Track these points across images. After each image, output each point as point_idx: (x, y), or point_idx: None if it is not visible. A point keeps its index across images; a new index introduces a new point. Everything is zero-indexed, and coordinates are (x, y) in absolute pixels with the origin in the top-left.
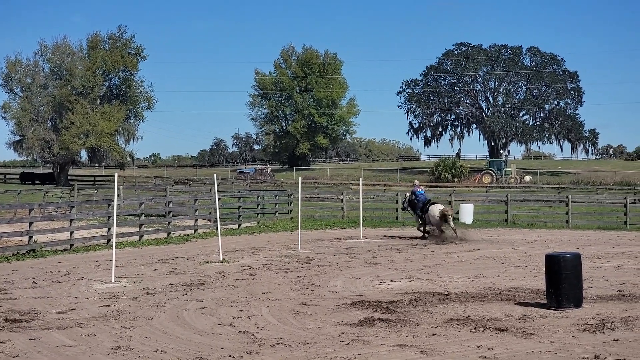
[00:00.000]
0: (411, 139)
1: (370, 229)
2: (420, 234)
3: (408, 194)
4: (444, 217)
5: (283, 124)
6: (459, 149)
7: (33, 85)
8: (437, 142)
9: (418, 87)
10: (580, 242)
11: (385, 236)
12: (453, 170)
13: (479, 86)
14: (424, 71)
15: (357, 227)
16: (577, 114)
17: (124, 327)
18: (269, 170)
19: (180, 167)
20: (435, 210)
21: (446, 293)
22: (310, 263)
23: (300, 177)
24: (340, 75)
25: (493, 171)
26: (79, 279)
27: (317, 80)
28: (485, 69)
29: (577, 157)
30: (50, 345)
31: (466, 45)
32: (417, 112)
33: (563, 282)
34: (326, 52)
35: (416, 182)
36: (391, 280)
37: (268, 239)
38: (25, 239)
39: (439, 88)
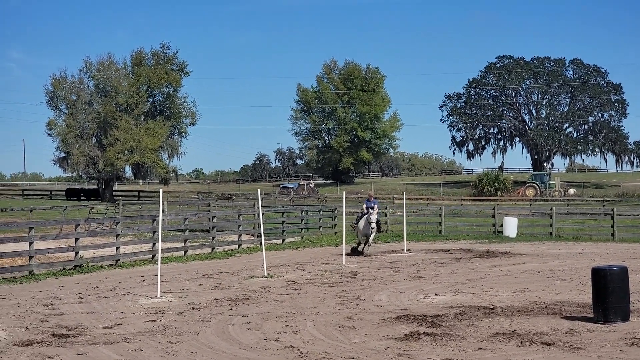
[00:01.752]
0: (454, 153)
1: (414, 243)
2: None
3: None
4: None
5: (326, 138)
6: (502, 162)
7: (78, 102)
8: (480, 156)
9: (460, 101)
10: (627, 255)
11: (428, 250)
12: (496, 184)
13: (521, 99)
14: (466, 84)
15: (401, 241)
16: (622, 126)
17: (170, 342)
18: (312, 185)
19: (223, 183)
20: (363, 221)
21: (491, 307)
22: (354, 277)
23: (343, 192)
24: (383, 89)
25: (537, 184)
26: (124, 294)
27: (360, 94)
28: (528, 82)
29: (621, 169)
30: None
31: (508, 58)
32: (460, 126)
33: (610, 295)
34: (368, 66)
35: (370, 192)
36: (436, 294)
37: (312, 253)
38: (72, 254)
39: (482, 101)
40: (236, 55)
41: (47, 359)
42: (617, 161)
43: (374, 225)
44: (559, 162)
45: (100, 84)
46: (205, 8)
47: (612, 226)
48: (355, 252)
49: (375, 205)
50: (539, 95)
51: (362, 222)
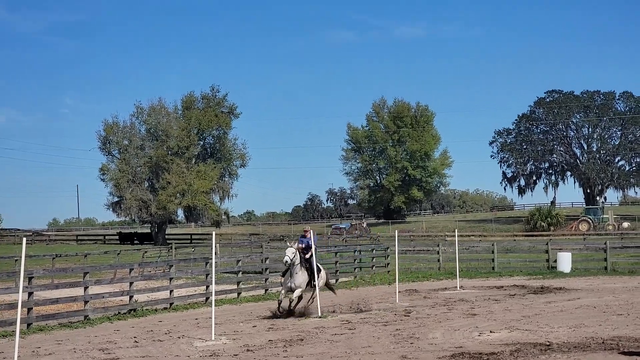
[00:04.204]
0: (505, 189)
1: (467, 280)
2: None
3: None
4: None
5: (377, 177)
6: (554, 197)
7: (130, 146)
8: (532, 191)
9: (511, 136)
10: None
11: (482, 286)
12: (549, 219)
13: (572, 133)
14: (516, 120)
15: (454, 278)
16: None
17: None
18: (364, 225)
19: (275, 224)
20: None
21: (547, 343)
22: (408, 315)
23: (396, 231)
24: (433, 126)
25: (590, 218)
26: (179, 337)
27: (410, 132)
28: (578, 116)
29: None
30: None
31: (558, 92)
32: (510, 162)
33: None
34: (418, 104)
35: (306, 227)
36: (491, 331)
37: (366, 292)
38: (126, 298)
39: (532, 136)
40: (285, 96)
41: None
42: None
43: (297, 283)
44: (612, 196)
45: (151, 128)
46: (254, 49)
47: None
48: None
49: (313, 244)
50: (590, 129)
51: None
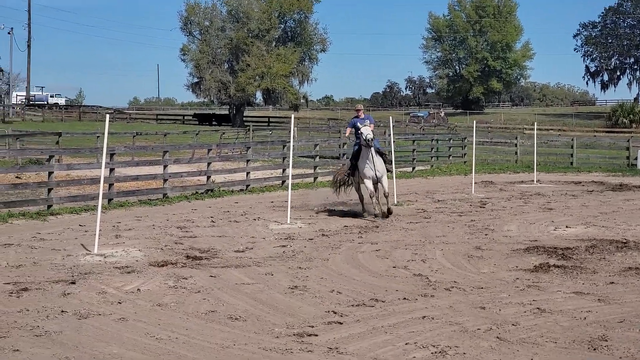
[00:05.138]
0: (587, 84)
1: (544, 174)
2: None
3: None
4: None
5: (457, 67)
6: (638, 94)
7: (211, 28)
8: (615, 87)
9: (596, 30)
10: None
11: (559, 181)
12: (631, 116)
13: None
14: (602, 13)
15: (531, 172)
16: None
17: (300, 267)
18: (442, 114)
19: (354, 110)
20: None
21: (624, 241)
22: (484, 207)
23: (474, 121)
24: (515, 17)
25: None
26: (255, 219)
27: (492, 23)
28: None
29: None
30: (230, 283)
31: None
32: (595, 56)
33: None
34: None
35: (358, 106)
36: (566, 227)
37: (442, 182)
38: (204, 178)
39: (618, 30)
40: None
41: (181, 280)
42: None
43: (380, 169)
44: None
45: (232, 10)
46: None
47: None
48: (362, 212)
49: (371, 123)
50: None
51: (362, 161)
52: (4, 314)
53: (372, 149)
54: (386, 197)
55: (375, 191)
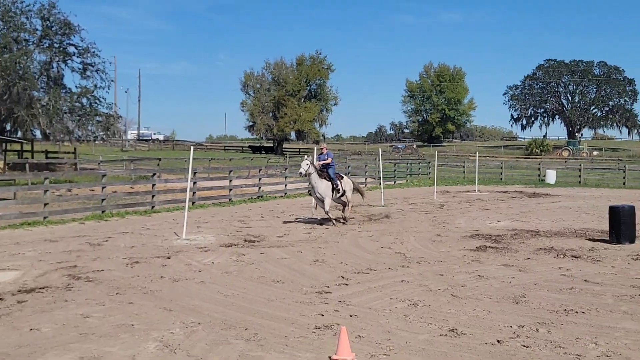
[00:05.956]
0: (512, 125)
1: (482, 186)
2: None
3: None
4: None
5: (424, 115)
6: (546, 133)
7: (261, 89)
8: (530, 128)
9: (518, 90)
10: (635, 198)
11: (492, 191)
12: (541, 147)
13: (561, 89)
14: (523, 79)
15: (473, 184)
16: (633, 108)
17: (319, 247)
18: (414, 146)
19: (355, 143)
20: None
21: (536, 231)
22: (442, 207)
23: (436, 151)
24: (464, 82)
25: (570, 148)
26: (290, 215)
27: (448, 85)
28: (566, 77)
29: (632, 138)
30: (273, 257)
31: (553, 60)
32: (517, 107)
33: (621, 225)
34: (454, 66)
35: (322, 144)
36: (498, 221)
37: (414, 191)
38: (256, 189)
39: (533, 90)
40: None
41: (241, 256)
42: (628, 132)
43: (320, 192)
44: (587, 133)
45: (275, 77)
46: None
47: (624, 177)
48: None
49: (329, 157)
50: (574, 87)
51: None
52: (123, 278)
53: (312, 177)
54: (345, 207)
55: (345, 205)
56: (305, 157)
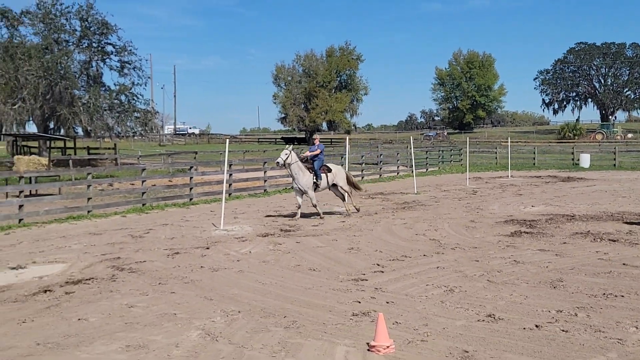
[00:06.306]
0: (543, 110)
1: (515, 171)
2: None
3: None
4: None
5: (454, 102)
6: (579, 116)
7: (292, 81)
8: (563, 112)
9: (549, 74)
10: None
11: (526, 176)
12: (574, 131)
13: (593, 72)
14: (553, 63)
15: (506, 170)
16: None
17: (354, 235)
18: (445, 134)
19: (386, 132)
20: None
21: (572, 215)
22: (475, 194)
23: (467, 138)
24: (494, 68)
25: (604, 131)
26: (324, 205)
27: (478, 72)
28: (598, 59)
29: None
30: (309, 246)
31: (584, 43)
32: (548, 92)
33: None
34: (484, 53)
35: (315, 135)
36: (532, 206)
37: (446, 178)
38: (290, 179)
39: (564, 74)
40: (394, 46)
41: (277, 245)
42: None
43: (301, 184)
44: (620, 116)
45: (306, 69)
46: (373, 15)
47: None
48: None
49: (318, 149)
50: (606, 69)
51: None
52: (164, 269)
53: (292, 167)
54: (344, 196)
55: (346, 195)
56: (287, 146)
